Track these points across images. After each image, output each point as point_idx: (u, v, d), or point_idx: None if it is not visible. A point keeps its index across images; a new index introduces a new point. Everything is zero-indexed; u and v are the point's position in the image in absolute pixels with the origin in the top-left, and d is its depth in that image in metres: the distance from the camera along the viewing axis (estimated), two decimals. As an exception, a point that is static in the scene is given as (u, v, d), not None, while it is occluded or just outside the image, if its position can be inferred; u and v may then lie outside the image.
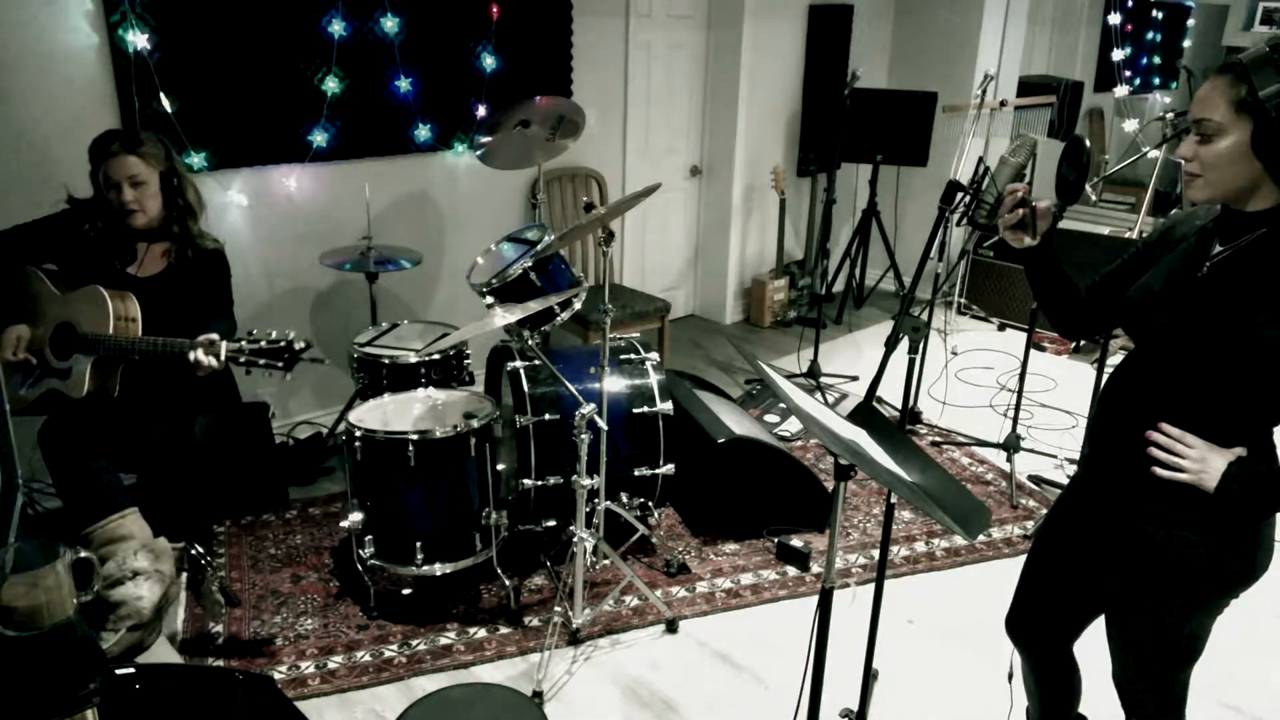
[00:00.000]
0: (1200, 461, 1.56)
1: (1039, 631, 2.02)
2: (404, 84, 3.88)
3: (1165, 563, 1.68)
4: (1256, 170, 1.51)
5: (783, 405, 4.15)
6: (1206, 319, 1.57)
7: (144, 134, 2.79)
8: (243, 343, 2.49)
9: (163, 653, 2.57)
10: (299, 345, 2.50)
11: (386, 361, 3.24)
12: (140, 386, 2.75)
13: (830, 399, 4.60)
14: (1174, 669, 1.79)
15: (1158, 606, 1.72)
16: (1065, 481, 3.80)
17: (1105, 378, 1.84)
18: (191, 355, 2.48)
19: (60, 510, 2.84)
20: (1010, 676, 2.14)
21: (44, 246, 2.80)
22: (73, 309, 2.68)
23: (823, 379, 4.72)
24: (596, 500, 2.95)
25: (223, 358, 2.48)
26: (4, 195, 3.02)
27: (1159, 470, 1.60)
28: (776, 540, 3.30)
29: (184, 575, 2.76)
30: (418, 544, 2.81)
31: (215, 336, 2.50)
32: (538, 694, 2.59)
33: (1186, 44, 8.24)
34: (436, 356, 3.27)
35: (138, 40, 3.22)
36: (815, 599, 1.83)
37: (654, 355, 3.28)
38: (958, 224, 3.51)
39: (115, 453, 2.75)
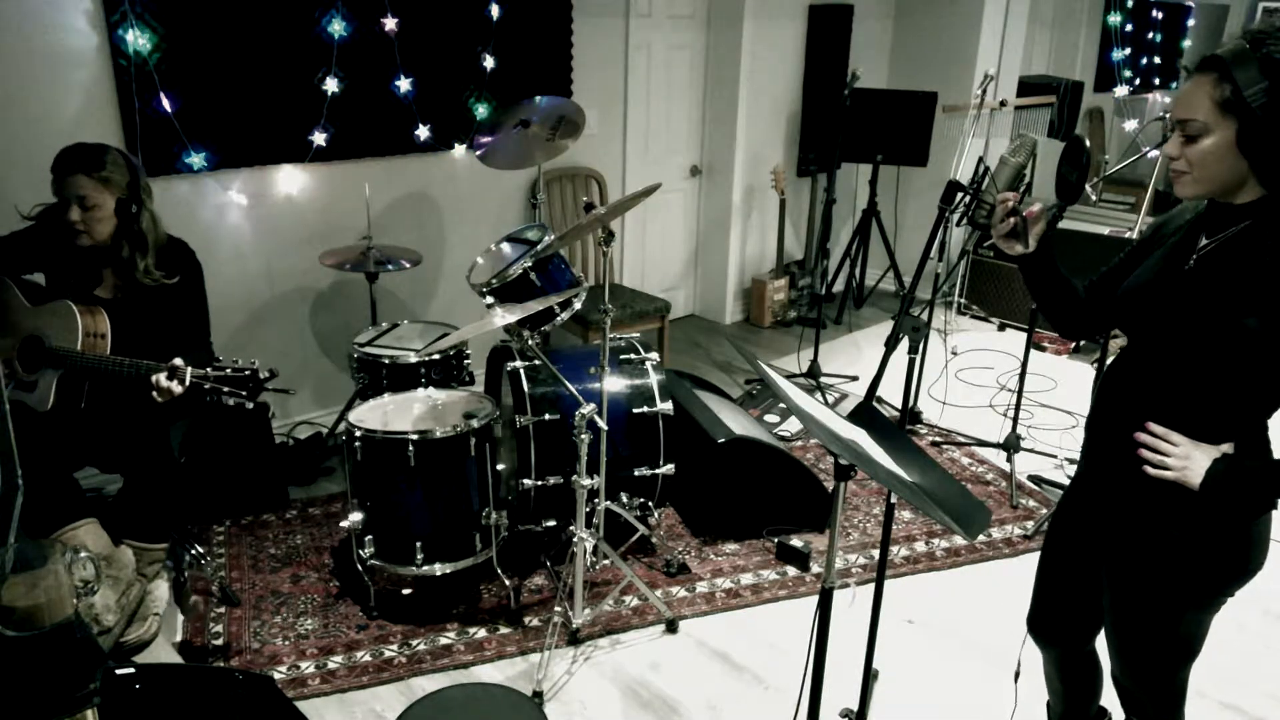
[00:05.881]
0: (1185, 459, 1.58)
1: (1060, 630, 2.02)
2: (404, 84, 3.88)
3: (1160, 559, 1.69)
4: (1244, 166, 1.52)
5: (783, 405, 4.15)
6: (1193, 311, 1.58)
7: (111, 155, 2.61)
8: (208, 370, 2.46)
9: (163, 653, 2.58)
10: (263, 375, 2.47)
11: (386, 361, 3.24)
12: (108, 401, 2.70)
13: (830, 399, 4.60)
14: (1172, 667, 1.79)
15: (1153, 604, 1.73)
16: (1065, 481, 3.80)
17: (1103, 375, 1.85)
18: (154, 379, 2.43)
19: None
20: (1017, 676, 2.14)
21: (31, 256, 2.74)
22: (42, 322, 2.62)
23: (823, 379, 4.72)
24: (596, 500, 2.95)
25: (186, 383, 2.43)
26: (3, 197, 3.02)
27: (1149, 469, 1.62)
28: (776, 540, 3.31)
29: (162, 577, 2.75)
30: (418, 544, 2.82)
31: (179, 362, 2.43)
32: (538, 694, 2.59)
33: (1186, 44, 8.24)
34: (436, 356, 3.27)
35: (138, 41, 3.22)
36: (815, 599, 1.83)
37: (654, 355, 3.28)
38: (958, 224, 3.52)
39: (85, 460, 2.71)
